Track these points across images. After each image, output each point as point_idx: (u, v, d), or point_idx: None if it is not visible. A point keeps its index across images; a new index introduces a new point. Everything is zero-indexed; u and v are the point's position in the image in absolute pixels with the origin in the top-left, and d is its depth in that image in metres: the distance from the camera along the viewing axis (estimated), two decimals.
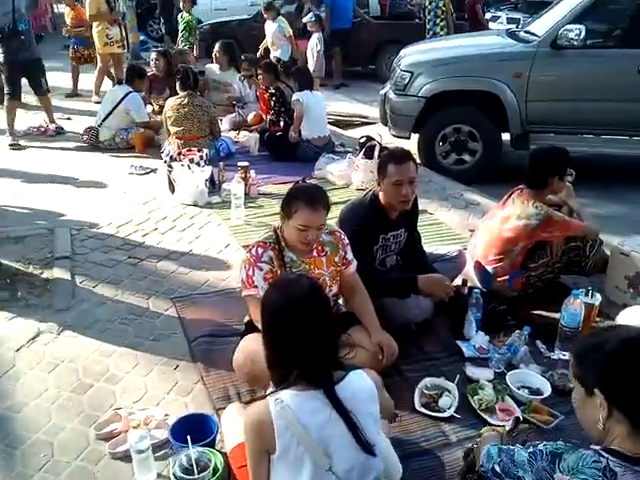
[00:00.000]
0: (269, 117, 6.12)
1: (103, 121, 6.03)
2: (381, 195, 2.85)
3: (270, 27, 8.74)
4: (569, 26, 4.93)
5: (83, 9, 8.24)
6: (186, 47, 8.98)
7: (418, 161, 5.59)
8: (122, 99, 5.94)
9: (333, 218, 2.89)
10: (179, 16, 9.43)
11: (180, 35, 9.33)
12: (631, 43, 5.13)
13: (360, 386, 1.72)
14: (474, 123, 5.35)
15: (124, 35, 8.27)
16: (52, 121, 6.68)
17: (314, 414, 1.64)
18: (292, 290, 1.73)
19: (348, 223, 2.83)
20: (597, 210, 4.27)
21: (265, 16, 8.84)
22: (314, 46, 8.78)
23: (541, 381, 2.54)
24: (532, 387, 2.54)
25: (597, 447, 1.36)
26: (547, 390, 2.49)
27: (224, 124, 6.42)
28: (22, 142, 6.17)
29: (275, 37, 8.70)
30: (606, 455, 1.32)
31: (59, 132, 6.58)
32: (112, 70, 8.26)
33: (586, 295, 2.89)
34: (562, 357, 2.76)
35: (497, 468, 1.58)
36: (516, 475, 1.49)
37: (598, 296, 2.97)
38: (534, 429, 2.12)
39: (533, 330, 2.84)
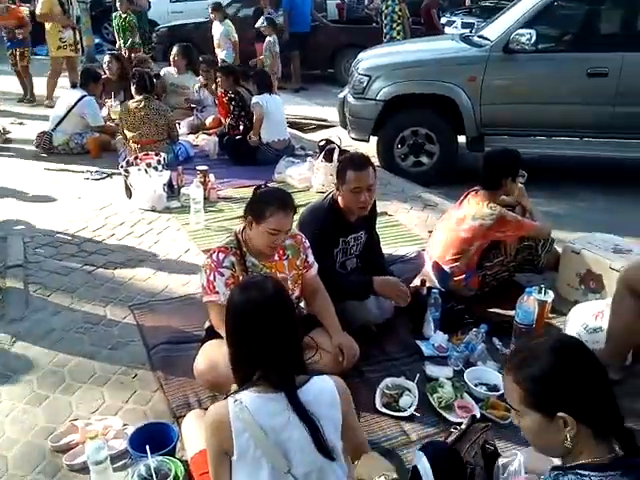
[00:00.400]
0: (228, 121, 6.09)
1: (57, 125, 5.88)
2: (340, 199, 2.86)
3: (217, 28, 8.74)
4: (520, 30, 5.05)
5: (20, 11, 8.04)
6: (135, 47, 8.83)
7: (377, 164, 5.72)
8: (76, 103, 5.81)
9: (294, 221, 2.90)
10: (113, 16, 9.15)
11: (119, 37, 9.03)
12: (581, 47, 5.32)
13: (322, 390, 1.72)
14: (431, 126, 5.44)
15: (78, 38, 8.06)
16: None
17: (273, 416, 1.64)
18: (257, 291, 1.73)
19: (308, 226, 2.84)
20: (549, 209, 4.41)
21: (212, 16, 8.84)
22: (271, 47, 8.77)
23: (498, 377, 2.59)
24: (489, 384, 2.59)
25: (570, 467, 1.34)
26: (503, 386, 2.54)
27: (182, 128, 6.36)
28: None
29: (221, 39, 8.69)
30: (586, 472, 1.30)
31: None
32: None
33: (539, 292, 2.98)
34: None
35: None
36: None
37: (551, 293, 3.06)
38: (491, 427, 2.16)
39: (490, 328, 2.90)
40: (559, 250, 3.44)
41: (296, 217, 3.05)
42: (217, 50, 8.75)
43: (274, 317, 1.70)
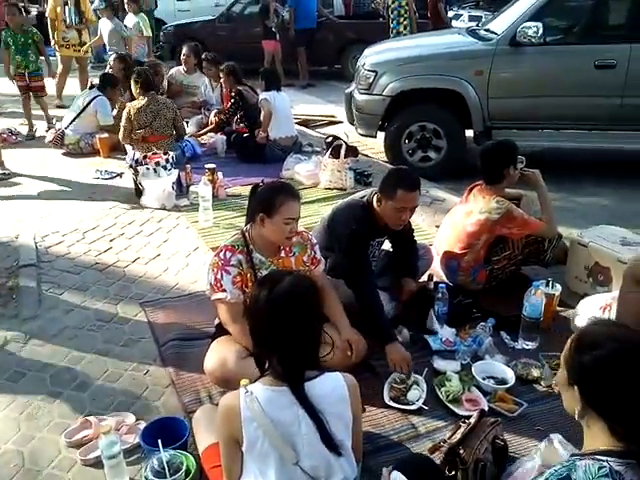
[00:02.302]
0: (221, 117, 6.16)
1: (70, 123, 5.97)
2: (378, 207, 2.81)
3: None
4: (527, 23, 5.03)
5: None
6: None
7: (384, 159, 5.73)
8: (90, 102, 5.91)
9: (306, 217, 2.92)
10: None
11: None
12: (588, 39, 5.28)
13: (333, 387, 1.74)
14: (438, 120, 5.43)
15: (85, 40, 8.00)
16: None
17: (282, 409, 1.67)
18: (276, 287, 1.73)
19: (344, 224, 2.84)
20: (557, 203, 4.39)
21: (127, 8, 8.57)
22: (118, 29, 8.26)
23: (505, 371, 2.60)
24: (497, 377, 2.60)
25: (590, 453, 1.32)
26: (511, 379, 2.56)
27: (190, 126, 6.41)
28: None
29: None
30: (604, 458, 1.28)
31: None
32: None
33: (546, 286, 2.98)
34: (525, 347, 2.85)
35: None
36: None
37: (558, 286, 3.06)
38: (501, 422, 2.18)
39: (497, 322, 2.92)
40: (567, 243, 3.45)
41: (304, 214, 3.12)
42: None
43: (297, 311, 1.72)
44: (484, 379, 2.57)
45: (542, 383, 2.59)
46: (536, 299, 2.84)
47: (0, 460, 2.25)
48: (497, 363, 2.68)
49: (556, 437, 1.94)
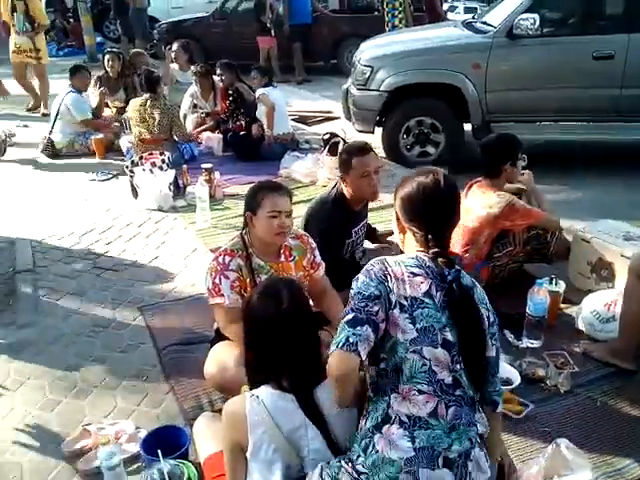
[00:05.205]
0: (222, 116, 6.07)
1: (52, 128, 5.90)
2: (347, 190, 2.87)
3: None
4: (524, 15, 4.98)
5: None
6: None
7: (383, 155, 5.68)
8: (62, 100, 5.85)
9: (299, 217, 2.90)
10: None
11: None
12: (585, 30, 5.25)
13: None
14: (436, 115, 5.39)
15: (36, 46, 7.46)
16: None
17: (288, 414, 1.65)
18: (273, 301, 1.73)
19: (316, 221, 2.85)
20: (557, 196, 4.36)
21: None
22: None
23: (510, 371, 2.57)
24: (501, 377, 2.56)
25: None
26: (516, 379, 2.52)
27: (187, 124, 6.34)
28: None
29: None
30: (414, 254, 1.73)
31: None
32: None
33: (550, 283, 2.94)
34: (530, 345, 2.81)
35: None
36: None
37: (562, 284, 3.02)
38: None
39: (501, 320, 2.86)
40: (569, 239, 3.40)
41: (301, 212, 3.08)
42: None
43: (289, 328, 1.70)
44: None
45: (548, 382, 2.56)
46: (540, 297, 2.79)
47: None
48: (501, 362, 2.64)
49: (563, 442, 1.91)
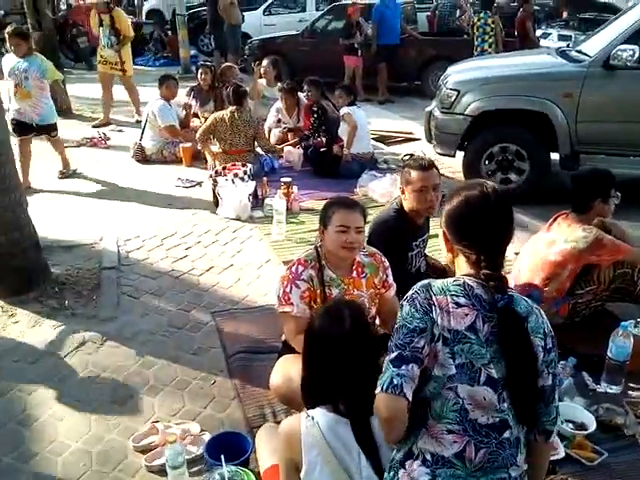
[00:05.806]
0: (306, 132, 6.16)
1: (142, 135, 6.21)
2: (405, 204, 2.93)
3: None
4: (622, 46, 4.79)
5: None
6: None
7: (463, 179, 5.58)
8: (151, 108, 6.15)
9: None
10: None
11: None
12: None
13: None
14: (522, 142, 5.24)
15: (120, 59, 7.74)
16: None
17: (342, 438, 1.64)
18: (336, 324, 1.74)
19: (378, 236, 2.91)
20: None
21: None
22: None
23: (586, 415, 2.44)
24: (576, 421, 2.44)
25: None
26: (592, 425, 2.39)
27: (271, 139, 6.49)
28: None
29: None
30: (461, 277, 1.62)
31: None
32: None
33: (635, 326, 2.79)
34: (609, 391, 2.66)
35: None
36: None
37: None
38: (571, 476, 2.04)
39: (579, 361, 2.75)
40: None
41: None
42: None
43: (348, 350, 1.71)
44: (562, 422, 2.41)
45: (625, 431, 2.41)
46: (623, 341, 2.64)
47: (70, 458, 2.33)
48: (577, 406, 2.51)
49: None
